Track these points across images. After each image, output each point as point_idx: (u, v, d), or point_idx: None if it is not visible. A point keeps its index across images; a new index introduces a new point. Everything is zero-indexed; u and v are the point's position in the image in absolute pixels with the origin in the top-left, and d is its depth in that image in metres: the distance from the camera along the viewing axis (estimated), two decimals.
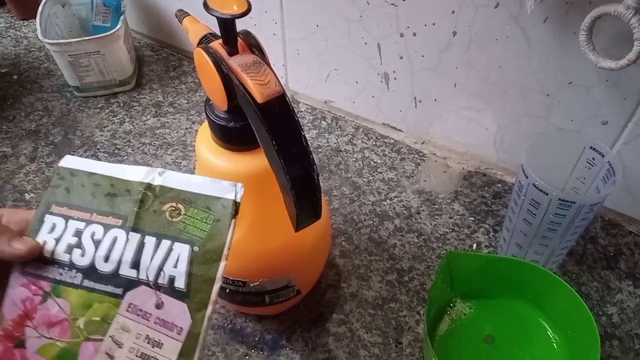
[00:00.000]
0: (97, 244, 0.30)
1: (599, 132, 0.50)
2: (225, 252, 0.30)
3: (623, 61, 0.41)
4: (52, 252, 0.30)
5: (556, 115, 0.52)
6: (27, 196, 0.60)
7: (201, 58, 0.31)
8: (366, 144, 0.65)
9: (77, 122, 0.68)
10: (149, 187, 0.30)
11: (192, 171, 0.62)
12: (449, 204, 0.58)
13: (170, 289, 0.29)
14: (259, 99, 0.28)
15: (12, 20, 0.85)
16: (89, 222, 0.30)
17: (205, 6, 0.28)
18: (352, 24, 0.57)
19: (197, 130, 0.66)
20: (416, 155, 0.64)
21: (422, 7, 0.51)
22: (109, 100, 0.71)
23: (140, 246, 0.29)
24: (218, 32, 0.32)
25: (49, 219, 0.31)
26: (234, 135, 0.35)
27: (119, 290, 0.29)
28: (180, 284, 0.29)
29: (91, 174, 0.31)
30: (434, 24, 0.52)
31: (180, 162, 0.63)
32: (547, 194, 0.43)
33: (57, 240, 0.30)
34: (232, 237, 0.30)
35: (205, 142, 0.37)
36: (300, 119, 0.67)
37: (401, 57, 0.57)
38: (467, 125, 0.59)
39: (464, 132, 0.60)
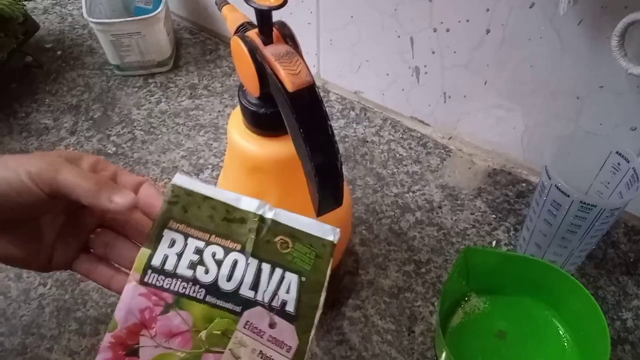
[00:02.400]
0: (219, 263, 0.32)
1: (627, 138, 0.50)
2: (325, 284, 0.33)
3: None
4: (176, 267, 0.32)
5: (585, 119, 0.52)
6: None
7: (237, 46, 0.33)
8: (393, 136, 0.66)
9: (116, 99, 0.71)
10: (262, 219, 0.33)
11: (222, 152, 0.64)
12: (472, 200, 0.59)
13: (282, 312, 0.32)
14: (290, 88, 0.30)
15: None
16: (208, 243, 0.32)
17: None
18: (386, 17, 0.58)
19: (229, 114, 0.68)
20: (442, 150, 0.64)
21: (456, 3, 0.52)
22: (147, 80, 0.74)
23: (259, 271, 0.32)
24: (254, 21, 0.33)
25: (168, 234, 0.32)
26: (263, 121, 0.36)
27: (238, 308, 0.31)
28: (290, 308, 0.32)
29: (206, 197, 0.33)
30: (467, 21, 0.52)
31: (212, 144, 0.66)
32: (568, 196, 0.43)
33: (179, 256, 0.32)
34: (330, 273, 0.33)
35: (236, 126, 0.38)
36: (329, 108, 0.69)
37: (433, 52, 0.58)
38: (495, 123, 0.59)
39: (491, 130, 0.60)
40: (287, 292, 0.32)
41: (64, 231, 0.34)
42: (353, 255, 0.54)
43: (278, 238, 0.33)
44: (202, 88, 0.73)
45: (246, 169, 0.39)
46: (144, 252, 0.32)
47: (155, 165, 0.63)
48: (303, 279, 0.32)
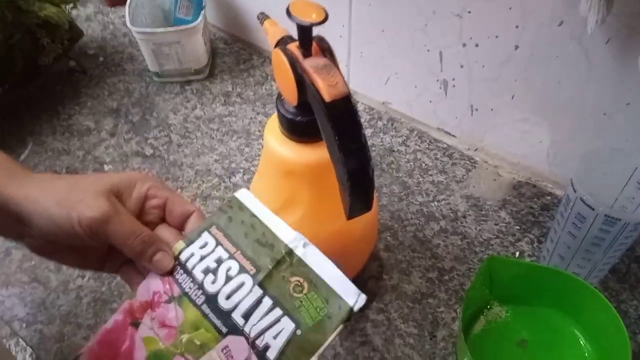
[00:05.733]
0: (228, 279, 0.32)
1: None
2: (321, 350, 0.30)
3: None
4: (194, 267, 0.33)
5: (611, 134, 0.53)
6: (105, 167, 0.66)
7: (279, 58, 0.35)
8: (419, 146, 0.68)
9: (154, 104, 0.75)
10: (290, 252, 0.32)
11: (253, 157, 0.67)
12: (496, 212, 0.60)
13: (261, 354, 0.30)
14: (327, 98, 0.32)
15: (101, 7, 0.93)
16: (231, 257, 0.33)
17: (288, 13, 0.32)
18: (417, 32, 0.60)
19: (260, 121, 0.71)
20: (468, 162, 0.66)
21: (486, 20, 0.53)
22: (183, 87, 0.77)
23: (258, 303, 0.31)
24: (294, 35, 0.35)
25: (205, 236, 0.34)
26: (300, 128, 0.38)
27: (224, 329, 0.31)
28: (271, 355, 0.30)
29: (253, 215, 0.34)
30: (497, 37, 0.54)
31: (244, 149, 0.68)
32: (593, 209, 0.44)
33: (202, 258, 0.33)
34: (332, 341, 0.30)
35: (273, 132, 0.41)
36: None
37: (462, 66, 0.59)
38: (522, 136, 0.60)
39: (517, 143, 0.62)
40: (275, 337, 0.30)
41: (109, 255, 0.36)
42: (378, 261, 0.56)
43: (295, 279, 0.31)
44: (236, 96, 0.76)
45: (280, 173, 0.41)
46: (180, 244, 0.34)
47: (189, 167, 0.66)
48: (299, 332, 0.30)
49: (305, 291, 0.31)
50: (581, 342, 0.48)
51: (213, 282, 0.32)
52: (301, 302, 0.31)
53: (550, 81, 0.53)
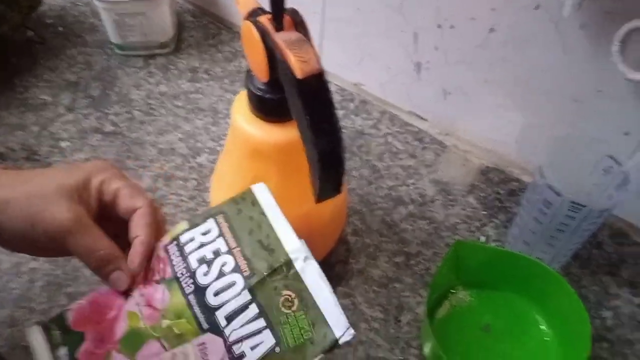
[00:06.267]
0: (220, 275, 0.31)
1: (620, 142, 0.51)
2: None
3: None
4: (191, 252, 0.32)
5: (581, 121, 0.53)
6: (62, 144, 0.63)
7: (249, 31, 0.33)
8: (390, 129, 0.67)
9: (116, 78, 0.71)
10: (288, 263, 0.31)
11: (220, 137, 0.65)
12: (464, 197, 0.60)
13: None
14: (299, 74, 0.30)
15: None
16: (230, 252, 0.31)
17: None
18: (392, 11, 0.59)
19: (228, 99, 0.69)
20: (438, 146, 0.65)
21: (463, 1, 0.53)
22: (147, 61, 0.74)
23: (244, 308, 0.30)
24: (266, 7, 0.34)
25: (210, 223, 0.33)
26: (269, 106, 0.37)
27: (205, 326, 0.30)
28: None
29: (262, 213, 0.33)
30: (473, 19, 0.53)
31: (210, 128, 0.66)
32: (560, 195, 0.44)
33: (201, 246, 0.32)
34: None
35: (241, 110, 0.39)
36: None
37: (436, 49, 0.58)
38: (493, 122, 0.60)
39: (488, 128, 0.62)
40: (253, 348, 0.29)
41: None
42: (345, 245, 0.55)
43: (286, 292, 0.30)
44: (203, 72, 0.73)
45: (248, 152, 0.40)
46: (183, 224, 0.33)
47: (152, 146, 0.63)
48: (277, 349, 0.29)
49: (294, 308, 0.30)
50: (542, 327, 0.49)
51: (205, 274, 0.31)
52: (287, 318, 0.29)
53: (525, 66, 0.53)
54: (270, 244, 0.32)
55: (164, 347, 0.30)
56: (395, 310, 0.50)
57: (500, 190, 0.61)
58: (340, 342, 0.29)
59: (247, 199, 0.34)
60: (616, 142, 0.51)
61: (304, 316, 0.29)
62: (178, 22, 0.78)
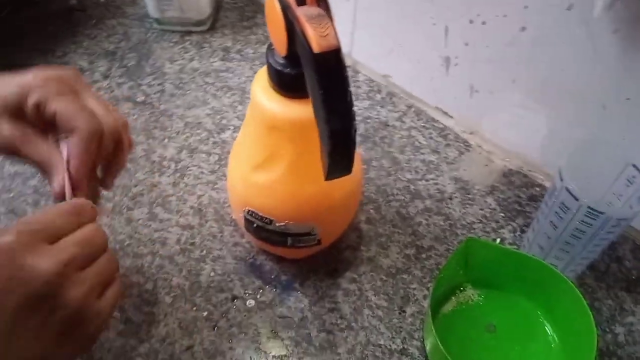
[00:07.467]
0: None
1: None
2: None
3: None
4: None
5: (607, 128, 0.51)
6: None
7: (271, 3, 0.34)
8: (415, 124, 0.66)
9: (151, 51, 0.73)
10: None
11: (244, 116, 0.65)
12: (483, 197, 0.59)
13: None
14: (316, 48, 0.31)
15: None
16: None
17: None
18: (425, 3, 0.58)
19: None
20: (461, 144, 0.64)
21: None
22: (183, 37, 0.75)
23: None
24: None
25: None
26: (287, 81, 0.37)
27: None
28: None
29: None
30: (505, 16, 0.52)
31: (237, 107, 0.67)
32: (577, 200, 0.43)
33: None
34: None
35: (260, 84, 0.40)
36: (356, 89, 0.69)
37: (466, 44, 0.58)
38: (518, 123, 0.59)
39: (513, 129, 0.60)
40: None
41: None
42: (357, 232, 0.55)
43: None
44: (235, 52, 0.74)
45: (265, 126, 0.40)
46: None
47: (179, 118, 0.65)
48: None
49: None
50: (549, 334, 0.48)
51: None
52: None
53: (554, 67, 0.52)
54: None
55: None
56: (400, 301, 0.50)
57: (521, 194, 0.60)
58: None
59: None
60: None
61: None
62: (216, 2, 0.80)
